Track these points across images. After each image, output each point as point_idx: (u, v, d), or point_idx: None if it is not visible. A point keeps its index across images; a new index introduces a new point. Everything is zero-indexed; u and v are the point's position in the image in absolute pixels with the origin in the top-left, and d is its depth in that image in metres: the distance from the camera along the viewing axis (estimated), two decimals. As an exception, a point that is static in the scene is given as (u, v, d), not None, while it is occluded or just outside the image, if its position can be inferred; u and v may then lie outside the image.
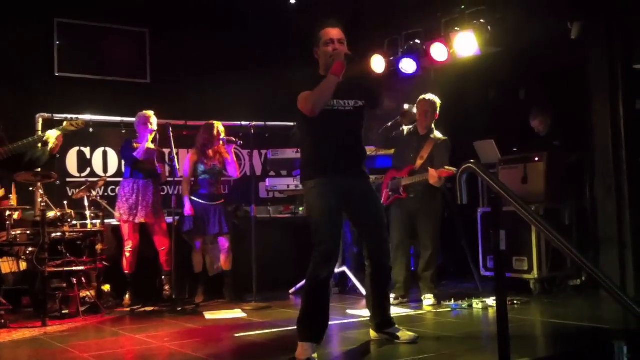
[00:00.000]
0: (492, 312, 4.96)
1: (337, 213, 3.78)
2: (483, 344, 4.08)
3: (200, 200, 6.09)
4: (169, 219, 6.05)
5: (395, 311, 5.13)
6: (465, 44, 6.35)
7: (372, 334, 4.07)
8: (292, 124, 7.59)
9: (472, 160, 3.31)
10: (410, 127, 5.70)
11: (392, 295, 5.36)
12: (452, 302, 5.29)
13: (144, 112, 6.06)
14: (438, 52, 6.75)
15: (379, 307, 4.03)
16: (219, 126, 6.16)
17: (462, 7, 6.23)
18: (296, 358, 3.52)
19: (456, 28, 6.54)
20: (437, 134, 5.68)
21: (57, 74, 6.99)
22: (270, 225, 6.83)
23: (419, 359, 3.58)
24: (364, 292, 6.10)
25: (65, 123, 4.50)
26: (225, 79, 7.38)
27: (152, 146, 6.05)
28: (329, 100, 3.71)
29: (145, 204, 5.91)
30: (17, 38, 6.59)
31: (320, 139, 3.80)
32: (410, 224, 5.57)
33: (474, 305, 5.18)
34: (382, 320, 4.03)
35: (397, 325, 4.04)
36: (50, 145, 4.34)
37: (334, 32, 3.82)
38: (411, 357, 3.61)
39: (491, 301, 5.16)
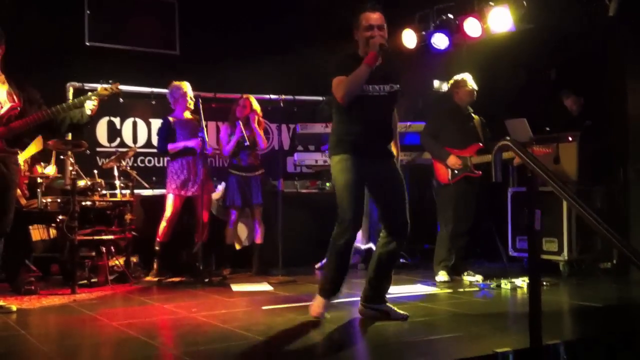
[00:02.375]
0: (520, 293, 4.92)
1: (359, 187, 3.90)
2: (512, 324, 4.05)
3: (241, 173, 6.11)
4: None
5: (430, 289, 5.15)
6: (500, 19, 6.25)
7: (362, 309, 4.06)
8: (320, 98, 7.59)
9: (507, 137, 3.25)
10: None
11: (443, 274, 5.36)
12: (480, 281, 5.26)
13: (177, 83, 6.01)
14: (471, 27, 6.67)
15: (376, 282, 4.04)
16: (253, 100, 6.14)
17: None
18: (310, 314, 3.92)
19: (490, 2, 6.42)
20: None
21: (87, 44, 7.00)
22: (296, 200, 6.84)
23: (448, 337, 3.56)
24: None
25: (99, 88, 4.40)
26: (254, 51, 7.32)
27: (189, 116, 6.03)
28: (360, 88, 3.82)
29: (196, 178, 5.88)
30: (47, 7, 6.59)
31: (351, 122, 3.92)
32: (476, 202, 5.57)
33: (502, 285, 5.14)
34: (373, 294, 4.04)
35: (388, 303, 4.04)
36: (90, 107, 4.27)
37: (375, 17, 3.89)
38: (440, 336, 3.60)
39: (520, 282, 5.11)
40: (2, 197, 4.16)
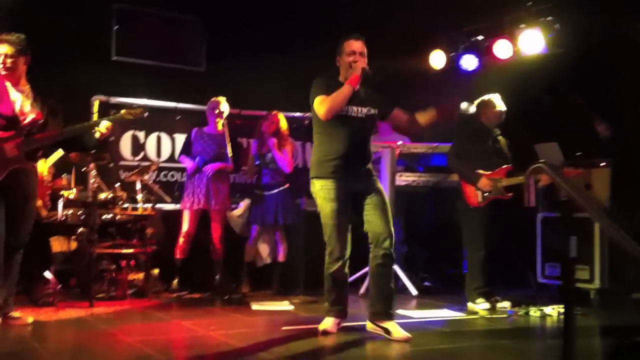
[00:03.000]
0: (550, 322, 4.76)
1: (343, 216, 4.08)
2: (544, 356, 3.87)
3: (262, 191, 6.08)
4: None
5: (451, 314, 4.99)
6: (531, 41, 6.14)
7: (368, 325, 4.12)
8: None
9: (542, 160, 3.13)
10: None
11: (481, 301, 5.22)
12: (509, 308, 5.09)
13: (215, 98, 6.05)
14: (502, 48, 6.58)
15: (376, 297, 4.10)
16: (281, 117, 6.11)
17: (529, 3, 5.99)
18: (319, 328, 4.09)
19: (521, 25, 6.32)
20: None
21: (114, 59, 7.01)
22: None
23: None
24: (413, 292, 5.97)
25: (123, 111, 4.38)
26: (280, 69, 7.28)
27: (220, 130, 6.00)
28: (342, 107, 4.02)
29: (204, 190, 5.84)
30: (76, 22, 6.60)
31: (331, 141, 4.10)
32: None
33: (531, 313, 4.97)
34: (375, 310, 4.08)
35: (393, 321, 4.02)
36: (98, 132, 4.25)
37: (357, 45, 4.14)
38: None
39: (549, 310, 4.95)
40: (21, 207, 4.13)
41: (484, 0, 6.60)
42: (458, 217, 5.60)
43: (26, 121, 4.08)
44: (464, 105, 6.76)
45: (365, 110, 4.15)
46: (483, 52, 6.86)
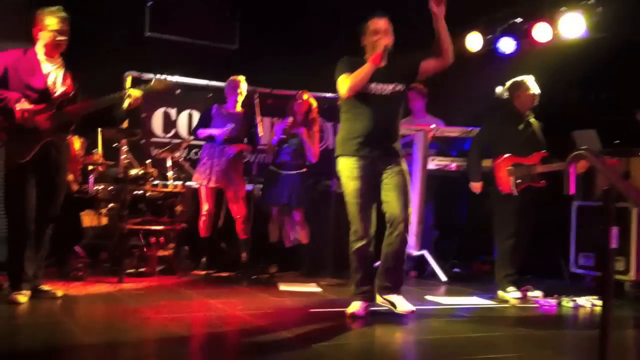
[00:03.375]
0: (583, 313, 4.66)
1: (367, 195, 4.07)
2: (577, 348, 3.77)
3: (279, 170, 5.97)
4: (249, 187, 5.97)
5: (480, 302, 4.91)
6: (572, 24, 5.96)
7: (377, 298, 4.21)
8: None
9: (584, 147, 3.02)
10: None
11: (512, 289, 5.13)
12: (540, 297, 4.99)
13: (234, 76, 5.95)
14: (541, 32, 6.39)
15: (385, 273, 4.17)
16: (308, 97, 6.00)
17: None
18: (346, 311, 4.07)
19: (562, 8, 6.13)
20: None
21: (147, 34, 6.99)
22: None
23: (509, 358, 3.33)
24: (443, 277, 5.89)
25: (153, 81, 4.32)
26: (312, 48, 7.18)
27: (239, 110, 5.94)
28: (364, 84, 4.02)
29: (218, 168, 5.75)
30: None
31: (356, 120, 4.10)
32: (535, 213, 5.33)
33: (564, 303, 4.86)
34: (384, 285, 4.17)
35: (398, 295, 4.14)
36: (127, 102, 4.18)
37: (381, 23, 4.13)
38: (499, 355, 3.37)
39: (583, 301, 4.84)
40: (53, 181, 4.13)
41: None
42: (490, 203, 5.49)
43: (57, 94, 4.07)
44: (498, 89, 6.64)
45: (390, 87, 4.11)
46: (521, 35, 6.69)
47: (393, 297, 4.13)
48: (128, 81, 6.56)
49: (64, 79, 4.15)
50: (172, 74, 6.64)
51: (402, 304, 4.10)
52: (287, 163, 5.97)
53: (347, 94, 4.02)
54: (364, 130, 4.07)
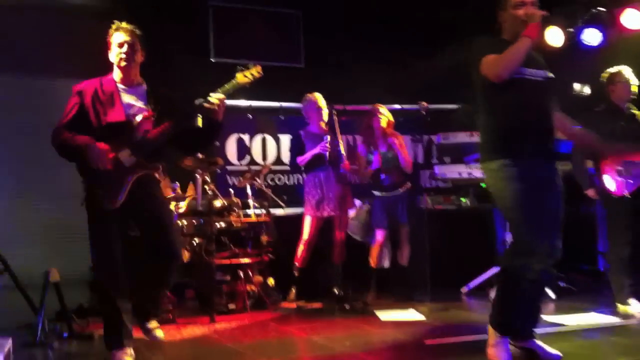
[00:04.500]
0: None
1: (533, 197, 3.25)
2: None
3: (383, 193, 5.70)
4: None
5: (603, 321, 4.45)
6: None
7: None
8: (453, 106, 7.07)
9: None
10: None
11: (634, 302, 4.66)
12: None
13: (309, 95, 5.69)
14: (630, 18, 5.92)
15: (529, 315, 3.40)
16: (384, 110, 5.71)
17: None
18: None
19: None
20: None
21: (212, 60, 6.81)
22: (432, 217, 6.25)
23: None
24: (551, 294, 5.42)
25: (238, 75, 3.65)
26: (380, 60, 6.89)
27: (324, 128, 5.65)
28: (519, 64, 3.26)
29: (330, 195, 5.48)
30: (173, 23, 6.43)
31: (507, 112, 3.34)
32: None
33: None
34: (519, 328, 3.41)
35: (536, 339, 3.40)
36: (213, 107, 3.54)
37: None
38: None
39: None
40: (161, 212, 3.70)
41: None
42: (590, 207, 5.04)
43: (137, 122, 3.58)
44: (577, 86, 6.14)
45: (542, 72, 3.40)
46: (608, 24, 6.22)
47: (533, 344, 3.38)
48: (199, 119, 6.32)
49: (147, 103, 3.65)
50: (239, 98, 6.53)
51: (546, 352, 3.35)
52: (389, 185, 5.70)
53: (500, 75, 3.25)
54: (519, 124, 3.31)
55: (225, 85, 3.65)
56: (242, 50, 6.82)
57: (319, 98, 5.64)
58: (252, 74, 3.67)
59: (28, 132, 5.64)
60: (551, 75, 3.44)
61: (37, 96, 5.78)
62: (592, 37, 6.32)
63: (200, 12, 6.80)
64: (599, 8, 6.26)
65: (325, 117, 5.63)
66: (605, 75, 5.06)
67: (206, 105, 3.56)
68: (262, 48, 6.95)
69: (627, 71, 4.95)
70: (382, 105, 5.79)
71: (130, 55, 3.62)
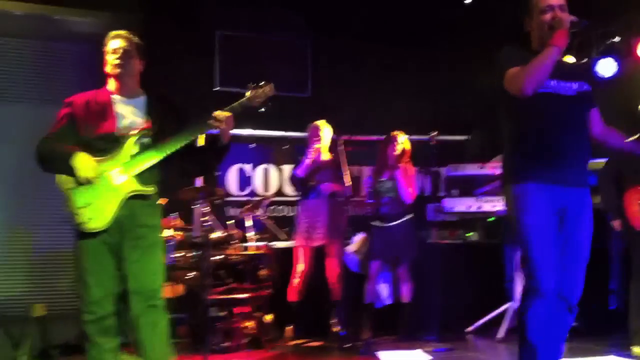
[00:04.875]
0: None
1: (548, 232, 2.94)
2: None
3: (382, 223, 5.45)
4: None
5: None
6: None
7: None
8: (463, 137, 6.88)
9: None
10: None
11: None
12: None
13: (314, 122, 5.51)
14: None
15: None
16: (402, 138, 5.54)
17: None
18: None
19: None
20: None
21: (216, 89, 6.69)
22: (437, 252, 6.00)
23: None
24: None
25: (248, 94, 3.36)
26: (388, 91, 6.74)
27: (327, 157, 5.47)
28: (546, 76, 2.89)
29: (319, 224, 5.24)
30: (178, 52, 6.33)
31: (532, 130, 3.01)
32: None
33: None
34: None
35: None
36: (215, 122, 3.21)
37: None
38: None
39: None
40: (145, 243, 3.19)
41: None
42: (606, 242, 4.81)
43: (131, 134, 3.23)
44: None
45: (575, 85, 3.04)
46: (623, 54, 6.05)
47: None
48: (201, 139, 6.18)
49: (146, 115, 3.29)
50: (244, 127, 6.39)
51: None
52: (388, 215, 5.44)
53: (525, 89, 2.87)
54: (545, 145, 2.97)
55: (234, 103, 3.37)
56: (247, 78, 6.68)
57: (321, 125, 5.46)
58: (264, 92, 3.41)
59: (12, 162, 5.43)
60: (586, 87, 3.07)
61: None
62: (607, 68, 6.14)
63: (208, 40, 6.70)
64: (615, 38, 6.10)
65: (321, 145, 5.43)
66: None
67: (210, 122, 3.23)
68: (269, 76, 6.79)
69: None
70: (401, 132, 5.59)
71: (124, 62, 3.27)
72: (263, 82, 3.37)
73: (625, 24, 6.00)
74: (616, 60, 6.04)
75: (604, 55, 6.12)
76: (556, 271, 2.96)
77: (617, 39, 6.08)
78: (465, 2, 6.61)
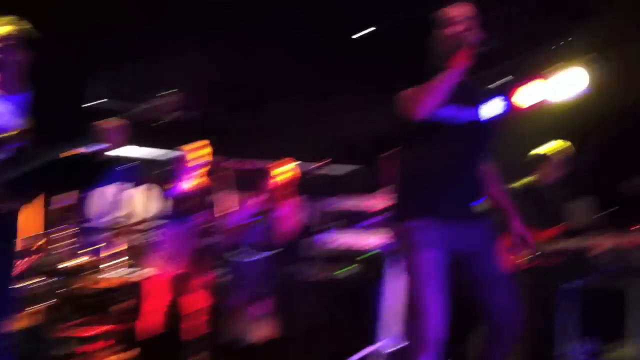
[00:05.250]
0: None
1: (438, 271, 2.67)
2: None
3: (249, 250, 5.19)
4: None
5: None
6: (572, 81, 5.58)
7: None
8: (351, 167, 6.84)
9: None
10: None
11: None
12: None
13: (187, 145, 5.19)
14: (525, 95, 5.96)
15: None
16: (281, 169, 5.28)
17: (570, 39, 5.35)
18: None
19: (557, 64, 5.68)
20: None
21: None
22: (322, 288, 5.84)
23: None
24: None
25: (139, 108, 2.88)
26: (276, 119, 6.60)
27: (200, 182, 5.17)
28: (442, 99, 2.60)
29: (181, 252, 4.89)
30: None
31: (420, 162, 2.77)
32: None
33: None
34: None
35: None
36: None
37: (462, 10, 2.76)
38: None
39: None
40: None
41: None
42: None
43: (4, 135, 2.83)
44: None
45: (469, 112, 2.76)
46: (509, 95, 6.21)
47: None
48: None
49: (24, 119, 2.89)
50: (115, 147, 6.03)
51: None
52: (258, 244, 5.20)
53: (415, 114, 2.62)
54: (437, 179, 2.72)
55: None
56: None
57: (190, 150, 5.10)
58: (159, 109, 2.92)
59: None
60: (483, 115, 2.80)
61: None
62: (492, 107, 6.26)
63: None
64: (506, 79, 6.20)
65: (200, 166, 5.09)
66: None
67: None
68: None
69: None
70: (290, 159, 5.31)
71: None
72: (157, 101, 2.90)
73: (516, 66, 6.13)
74: (505, 100, 6.17)
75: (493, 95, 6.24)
76: (445, 319, 2.65)
77: (509, 77, 6.21)
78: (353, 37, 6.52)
